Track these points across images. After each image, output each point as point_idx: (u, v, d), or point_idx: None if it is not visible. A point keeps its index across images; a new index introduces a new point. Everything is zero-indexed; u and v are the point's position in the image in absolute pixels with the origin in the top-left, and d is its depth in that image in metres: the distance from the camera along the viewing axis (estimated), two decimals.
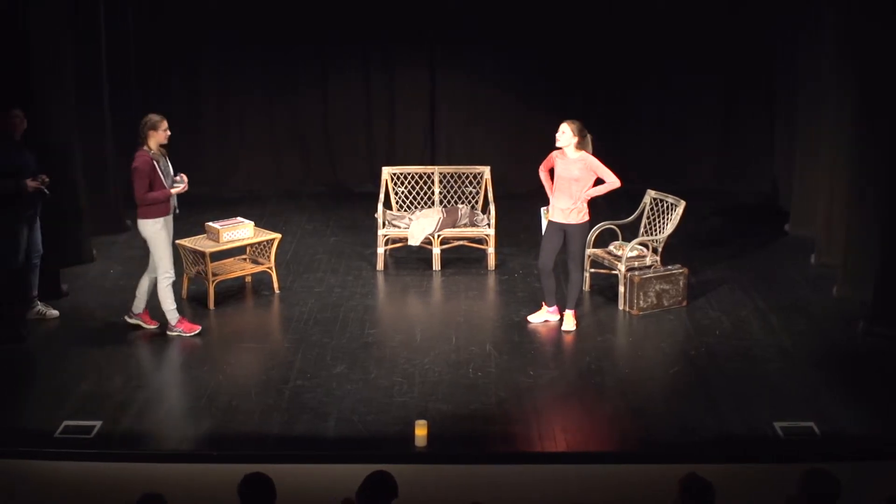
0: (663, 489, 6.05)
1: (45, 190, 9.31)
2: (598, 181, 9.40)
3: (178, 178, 9.28)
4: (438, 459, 7.47)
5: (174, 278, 9.38)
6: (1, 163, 9.11)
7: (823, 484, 5.56)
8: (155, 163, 9.08)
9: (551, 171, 9.51)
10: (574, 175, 9.25)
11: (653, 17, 13.26)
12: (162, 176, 9.13)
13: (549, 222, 9.48)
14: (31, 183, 9.19)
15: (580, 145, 9.30)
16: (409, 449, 7.52)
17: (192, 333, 9.42)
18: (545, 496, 7.28)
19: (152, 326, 9.52)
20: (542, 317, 9.68)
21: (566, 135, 9.28)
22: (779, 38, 12.61)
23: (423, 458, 7.47)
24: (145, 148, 9.09)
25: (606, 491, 7.27)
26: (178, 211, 9.39)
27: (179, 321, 9.43)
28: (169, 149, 13.52)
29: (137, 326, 9.51)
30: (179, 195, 9.32)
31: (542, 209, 9.63)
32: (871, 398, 8.23)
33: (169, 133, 9.19)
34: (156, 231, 9.17)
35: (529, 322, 9.66)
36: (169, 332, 9.42)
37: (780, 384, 8.52)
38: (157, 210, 9.14)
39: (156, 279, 9.36)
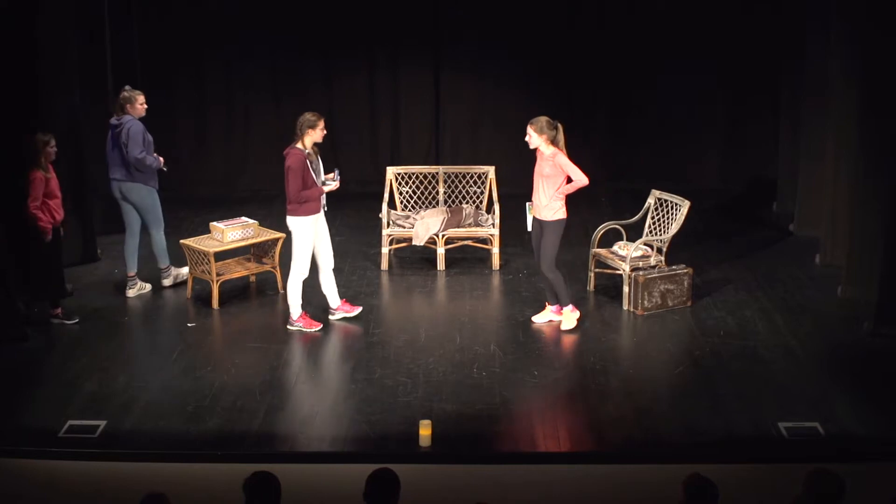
0: (668, 489, 6.04)
1: (164, 167, 10.26)
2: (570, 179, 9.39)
3: (331, 174, 9.42)
4: (443, 459, 7.47)
5: (307, 276, 9.47)
6: (144, 139, 10.01)
7: (828, 484, 5.55)
8: (308, 162, 9.15)
9: None
10: (545, 172, 9.29)
11: (657, 18, 13.28)
12: (314, 174, 9.21)
13: (534, 218, 9.50)
14: (160, 162, 10.16)
15: (552, 140, 9.28)
16: (413, 449, 7.53)
17: (312, 329, 9.48)
18: (550, 496, 7.27)
19: (356, 311, 9.71)
20: (547, 317, 9.68)
21: (532, 137, 9.30)
22: (784, 38, 12.59)
23: (428, 458, 7.48)
24: (299, 146, 9.20)
25: (611, 491, 7.26)
26: (326, 209, 9.49)
27: (301, 316, 9.51)
28: (177, 149, 13.61)
29: (344, 320, 9.69)
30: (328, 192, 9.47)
31: (528, 204, 9.63)
32: (876, 398, 8.22)
33: (325, 132, 9.31)
34: (304, 229, 9.30)
35: (534, 322, 9.66)
36: (289, 326, 9.51)
37: (784, 384, 8.51)
38: (308, 208, 9.25)
39: (329, 271, 9.61)
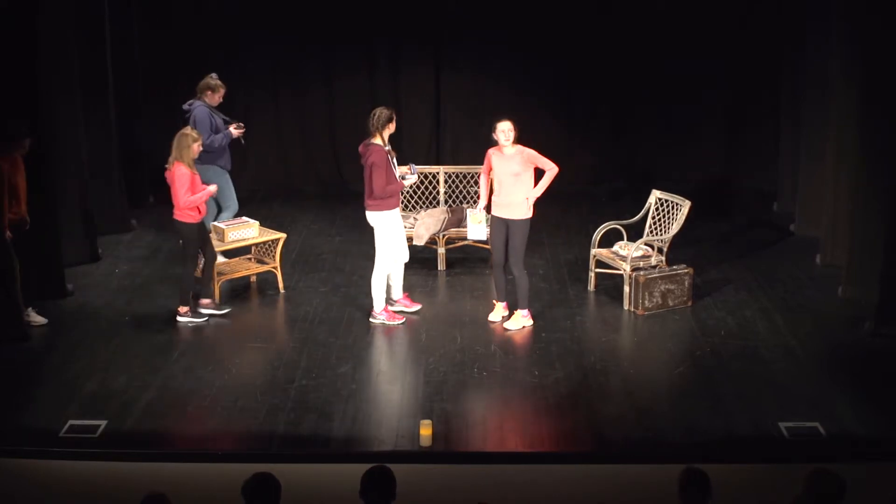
0: (668, 489, 6.04)
1: (242, 140, 10.73)
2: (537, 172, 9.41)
3: (406, 168, 9.56)
4: (443, 459, 7.48)
5: (391, 270, 9.63)
6: (213, 125, 10.52)
7: (828, 484, 5.56)
8: (388, 156, 9.26)
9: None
10: (514, 170, 9.29)
11: (659, 18, 13.27)
12: (395, 169, 9.37)
13: (494, 218, 9.50)
14: (234, 130, 10.59)
15: (516, 139, 9.33)
16: (413, 449, 7.53)
17: (395, 322, 9.58)
18: (550, 496, 7.28)
19: (416, 307, 9.85)
20: (500, 313, 9.69)
21: (514, 132, 9.28)
22: (785, 38, 12.60)
23: (428, 457, 7.48)
24: (377, 141, 9.28)
25: (612, 491, 7.26)
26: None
27: (384, 309, 9.61)
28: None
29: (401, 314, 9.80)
30: None
31: (469, 210, 9.76)
32: (877, 398, 8.21)
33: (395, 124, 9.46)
34: (387, 223, 9.43)
35: (507, 330, 9.59)
36: (371, 319, 9.62)
37: (785, 384, 8.51)
38: (389, 202, 9.37)
39: (402, 265, 9.70)
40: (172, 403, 8.23)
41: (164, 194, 13.25)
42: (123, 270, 10.95)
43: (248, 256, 10.61)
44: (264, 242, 10.49)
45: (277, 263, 10.44)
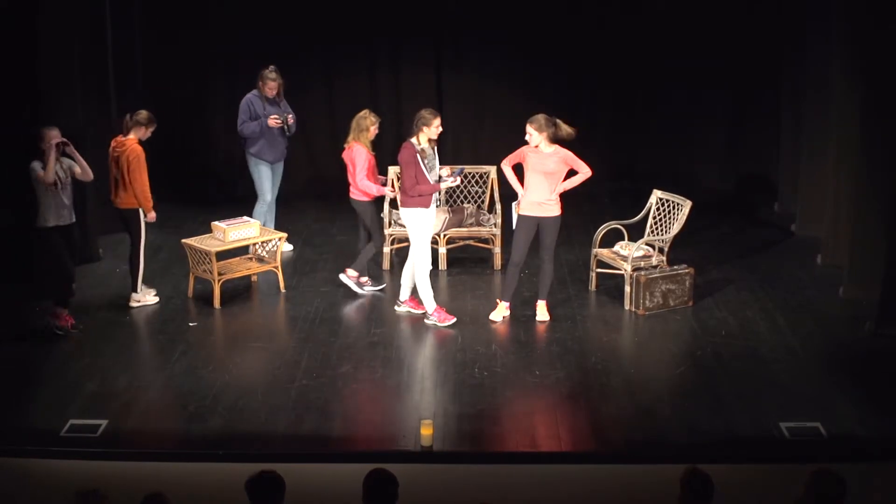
0: (668, 489, 6.04)
1: (286, 128, 11.15)
2: (570, 173, 9.43)
3: (450, 170, 9.58)
4: (444, 459, 7.48)
5: (430, 268, 9.62)
6: (252, 112, 11.04)
7: (830, 484, 5.56)
8: (418, 155, 9.25)
9: (516, 167, 9.63)
10: (549, 169, 9.34)
11: (658, 18, 13.27)
12: (425, 169, 9.31)
13: (521, 216, 9.52)
14: (271, 121, 11.00)
15: (552, 138, 9.35)
16: (413, 449, 7.52)
17: (447, 323, 9.58)
18: (551, 496, 7.28)
19: (420, 311, 9.78)
20: (502, 313, 9.72)
21: (533, 136, 9.36)
22: (785, 38, 12.60)
23: (429, 457, 7.47)
24: (412, 141, 9.36)
25: (613, 491, 7.27)
26: (439, 203, 9.87)
27: (436, 309, 9.62)
28: (177, 148, 13.57)
29: (407, 314, 9.85)
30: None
31: (514, 203, 9.66)
32: (878, 398, 8.21)
33: (441, 129, 9.48)
34: (415, 220, 9.44)
35: (492, 321, 9.67)
36: (426, 321, 9.64)
37: (786, 384, 8.51)
38: (418, 201, 9.37)
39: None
40: (173, 403, 8.23)
41: (163, 194, 13.34)
42: (124, 270, 10.93)
43: (249, 256, 10.61)
44: (265, 242, 10.48)
45: (278, 263, 10.44)
